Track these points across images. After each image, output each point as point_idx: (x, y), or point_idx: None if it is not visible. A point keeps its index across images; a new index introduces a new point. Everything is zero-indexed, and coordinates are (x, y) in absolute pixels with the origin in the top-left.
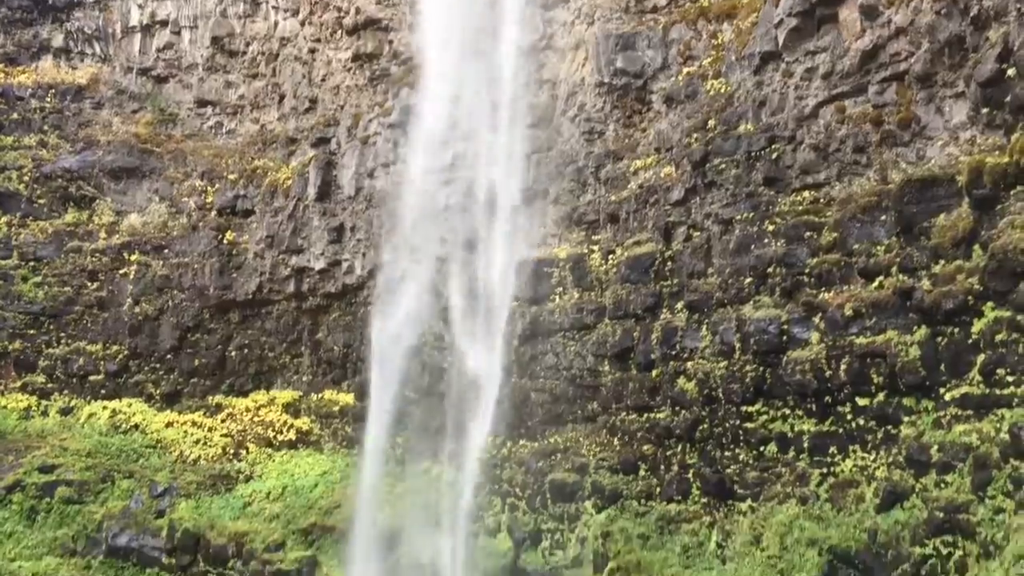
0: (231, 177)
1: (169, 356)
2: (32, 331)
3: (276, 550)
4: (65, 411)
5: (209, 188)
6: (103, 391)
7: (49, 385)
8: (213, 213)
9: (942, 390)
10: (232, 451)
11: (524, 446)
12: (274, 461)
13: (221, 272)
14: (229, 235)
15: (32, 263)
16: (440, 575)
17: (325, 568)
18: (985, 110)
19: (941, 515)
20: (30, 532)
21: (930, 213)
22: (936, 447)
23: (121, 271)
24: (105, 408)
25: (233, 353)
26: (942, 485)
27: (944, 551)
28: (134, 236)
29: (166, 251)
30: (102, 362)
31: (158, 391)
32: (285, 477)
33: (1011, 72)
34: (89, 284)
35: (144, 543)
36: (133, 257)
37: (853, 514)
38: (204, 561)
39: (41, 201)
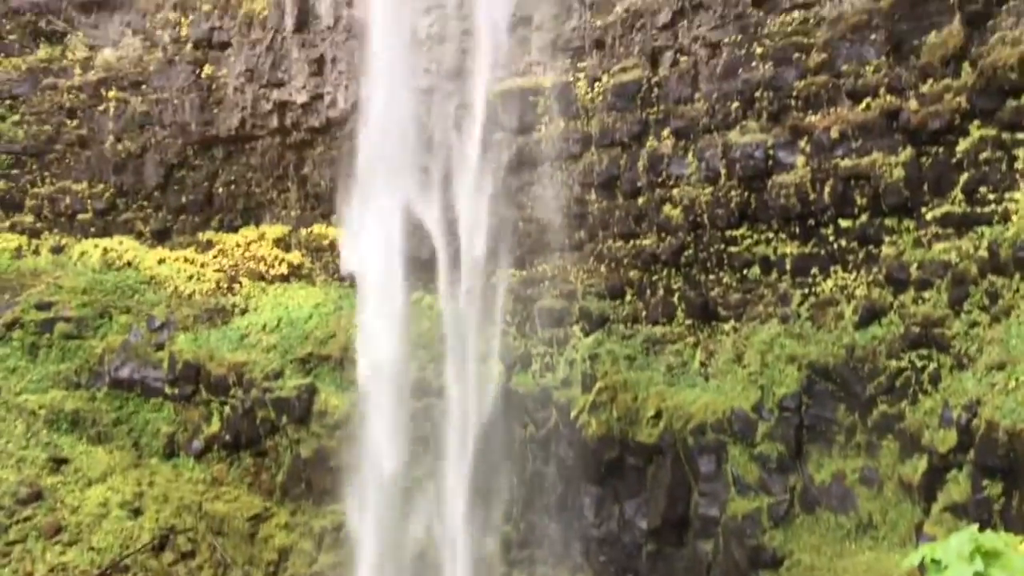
0: (205, 8)
1: (156, 193)
2: (16, 171)
3: (275, 378)
4: (57, 250)
5: (183, 20)
6: (93, 229)
7: (38, 224)
8: (189, 46)
9: (924, 210)
10: (225, 285)
11: (513, 275)
12: (267, 295)
13: (202, 108)
14: (207, 69)
15: (9, 101)
16: (437, 397)
17: (323, 394)
18: None
19: (917, 330)
20: (33, 367)
21: (921, 31)
22: (915, 265)
23: (100, 108)
24: (96, 246)
25: (220, 189)
26: (920, 301)
27: (919, 364)
28: (109, 72)
29: (144, 87)
30: (89, 200)
31: (147, 228)
32: (279, 310)
33: None
34: (68, 122)
35: (146, 375)
36: (111, 93)
37: (832, 331)
38: (206, 390)
39: (12, 37)
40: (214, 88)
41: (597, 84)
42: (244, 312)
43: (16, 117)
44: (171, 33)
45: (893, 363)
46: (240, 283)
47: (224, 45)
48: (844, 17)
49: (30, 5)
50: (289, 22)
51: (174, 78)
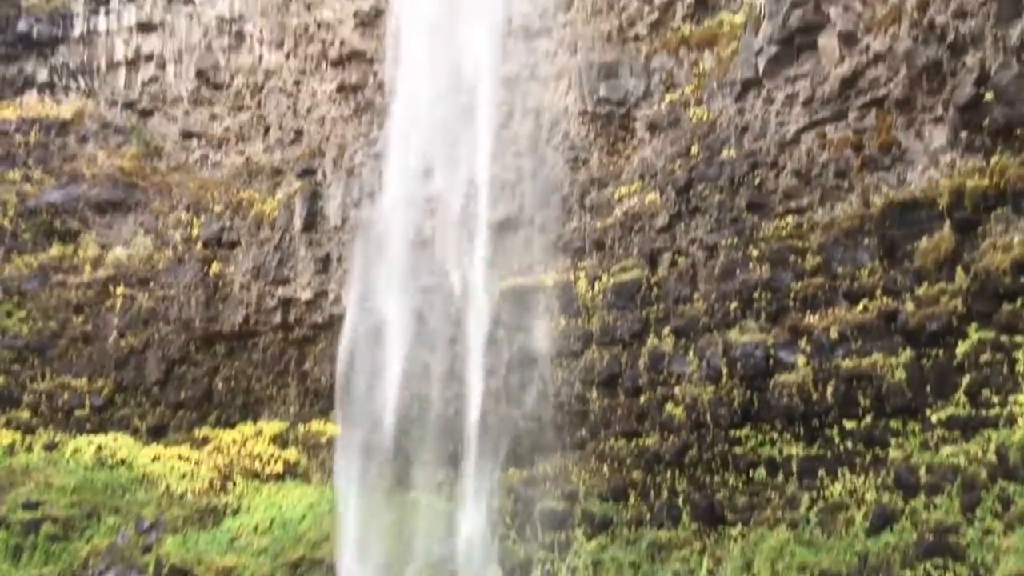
0: (216, 209)
1: (155, 389)
2: (16, 366)
3: None
4: (50, 446)
5: (195, 220)
6: (88, 425)
7: (34, 420)
8: (199, 245)
9: (928, 412)
10: (219, 484)
11: (513, 474)
12: (261, 494)
13: (207, 304)
14: (215, 267)
15: (17, 297)
16: None
17: None
18: (964, 134)
19: (931, 537)
20: (15, 572)
21: (912, 236)
22: (924, 469)
23: (106, 304)
24: (91, 443)
25: (220, 385)
26: (931, 507)
27: (935, 574)
28: (119, 269)
29: (152, 284)
30: (87, 396)
31: (144, 424)
32: (273, 510)
33: (988, 96)
34: (74, 318)
35: None
36: (118, 290)
37: (843, 538)
38: None
39: (26, 235)
40: (220, 285)
41: (597, 283)
42: (236, 512)
43: (23, 313)
44: (182, 232)
45: (908, 573)
46: (234, 481)
47: (233, 244)
48: (837, 222)
49: (46, 205)
50: (298, 223)
51: (182, 275)
